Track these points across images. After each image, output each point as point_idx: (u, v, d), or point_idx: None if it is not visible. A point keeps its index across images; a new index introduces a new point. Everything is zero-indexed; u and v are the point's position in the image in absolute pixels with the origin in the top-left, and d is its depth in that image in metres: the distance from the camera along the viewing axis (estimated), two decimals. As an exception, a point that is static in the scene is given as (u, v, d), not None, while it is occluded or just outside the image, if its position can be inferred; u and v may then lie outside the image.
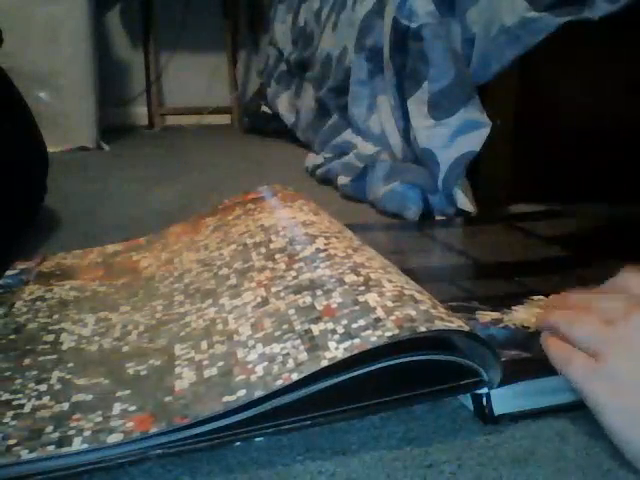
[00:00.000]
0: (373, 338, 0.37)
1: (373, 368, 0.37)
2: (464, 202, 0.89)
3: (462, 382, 0.40)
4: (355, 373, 0.37)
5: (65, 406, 0.38)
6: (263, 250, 0.54)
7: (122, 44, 2.37)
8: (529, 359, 0.43)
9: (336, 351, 0.37)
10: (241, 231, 0.60)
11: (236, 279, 0.51)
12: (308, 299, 0.43)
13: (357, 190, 1.07)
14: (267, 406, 0.36)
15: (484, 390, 0.40)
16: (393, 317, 0.39)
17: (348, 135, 1.17)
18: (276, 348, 0.39)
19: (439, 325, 0.38)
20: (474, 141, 0.87)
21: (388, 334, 0.37)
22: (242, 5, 2.42)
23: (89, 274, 0.63)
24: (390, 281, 0.44)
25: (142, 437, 0.34)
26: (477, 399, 0.40)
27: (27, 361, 0.44)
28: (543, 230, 0.81)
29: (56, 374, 0.42)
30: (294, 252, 0.51)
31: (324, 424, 0.38)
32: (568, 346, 0.39)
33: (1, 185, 0.73)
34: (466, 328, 0.39)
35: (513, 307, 0.52)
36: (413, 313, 0.39)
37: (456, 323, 0.39)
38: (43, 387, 0.40)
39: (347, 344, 0.37)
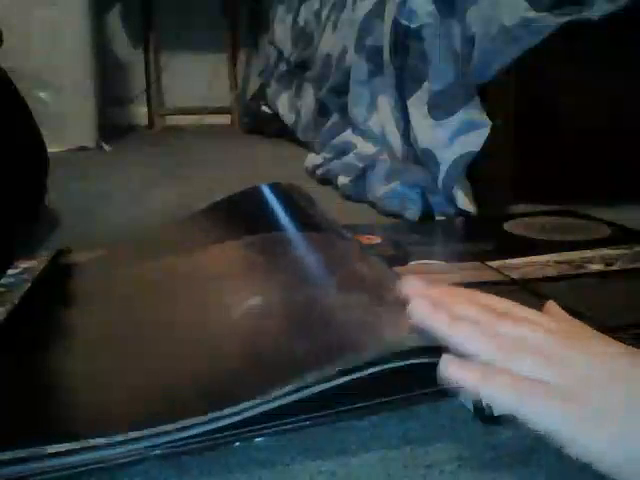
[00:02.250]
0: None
1: (376, 370, 0.37)
2: (464, 202, 0.89)
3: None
4: (355, 376, 0.37)
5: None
6: None
7: (122, 44, 2.37)
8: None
9: None
10: None
11: None
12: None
13: (357, 190, 1.07)
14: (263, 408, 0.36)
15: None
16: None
17: (348, 135, 1.17)
18: None
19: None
20: (474, 141, 0.87)
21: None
22: (242, 5, 2.42)
23: None
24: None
25: (140, 437, 0.34)
26: (477, 399, 0.40)
27: None
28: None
29: None
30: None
31: (324, 424, 0.38)
32: (533, 383, 0.33)
33: (1, 185, 0.73)
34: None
35: None
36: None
37: None
38: None
39: None
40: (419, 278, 0.41)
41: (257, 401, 0.36)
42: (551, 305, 0.43)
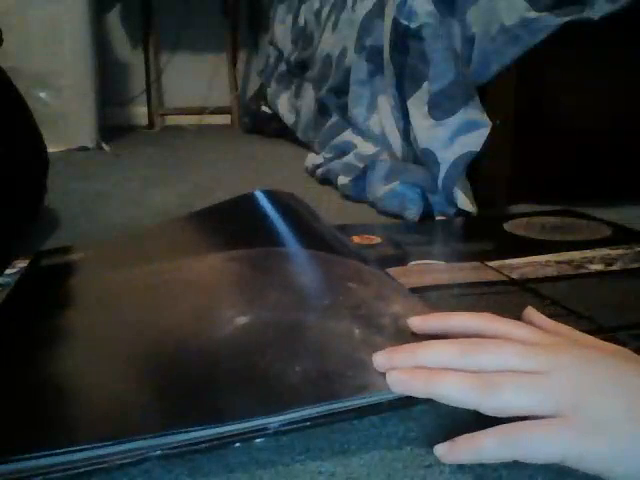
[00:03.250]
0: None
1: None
2: (464, 202, 0.89)
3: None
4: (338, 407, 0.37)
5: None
6: None
7: (122, 44, 2.37)
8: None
9: None
10: None
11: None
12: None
13: (357, 190, 1.07)
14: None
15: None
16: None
17: (348, 135, 1.17)
18: None
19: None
20: (474, 141, 0.87)
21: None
22: (242, 5, 2.42)
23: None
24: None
25: (142, 437, 0.34)
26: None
27: None
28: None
29: None
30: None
31: (324, 424, 0.38)
32: (516, 425, 0.34)
33: (1, 185, 0.73)
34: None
35: None
36: None
37: None
38: None
39: None
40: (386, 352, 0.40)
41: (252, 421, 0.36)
42: (531, 311, 0.43)
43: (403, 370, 0.37)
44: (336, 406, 0.36)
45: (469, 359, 0.36)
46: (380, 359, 0.38)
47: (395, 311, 0.46)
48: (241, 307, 0.48)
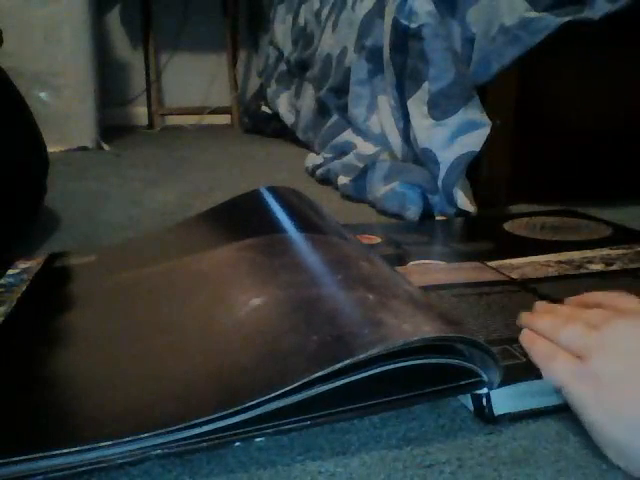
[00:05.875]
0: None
1: (377, 371, 0.37)
2: (464, 202, 0.89)
3: (462, 382, 0.40)
4: (358, 377, 0.37)
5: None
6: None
7: (122, 44, 2.37)
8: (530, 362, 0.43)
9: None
10: None
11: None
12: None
13: (357, 190, 1.07)
14: (272, 406, 0.36)
15: (484, 390, 0.40)
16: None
17: (348, 135, 1.17)
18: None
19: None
20: (474, 141, 0.87)
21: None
22: (242, 5, 2.41)
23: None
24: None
25: (141, 437, 0.34)
26: (477, 399, 0.41)
27: None
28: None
29: None
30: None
31: (324, 424, 0.38)
32: (552, 344, 0.40)
33: (1, 185, 0.73)
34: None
35: None
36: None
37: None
38: None
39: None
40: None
41: (275, 394, 0.35)
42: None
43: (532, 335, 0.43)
44: (353, 360, 0.36)
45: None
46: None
47: (407, 284, 0.46)
48: (255, 290, 0.48)
